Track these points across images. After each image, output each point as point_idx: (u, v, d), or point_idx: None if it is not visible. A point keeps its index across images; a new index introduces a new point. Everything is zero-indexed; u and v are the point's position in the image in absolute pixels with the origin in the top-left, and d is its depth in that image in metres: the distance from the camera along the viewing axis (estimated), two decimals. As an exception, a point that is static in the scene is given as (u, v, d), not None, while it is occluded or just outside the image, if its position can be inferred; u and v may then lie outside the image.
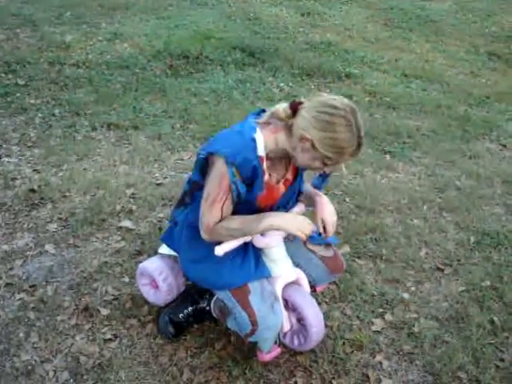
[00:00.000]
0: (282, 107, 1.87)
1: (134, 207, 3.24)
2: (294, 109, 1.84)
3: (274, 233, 2.09)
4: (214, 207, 1.89)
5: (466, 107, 5.09)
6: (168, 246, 2.29)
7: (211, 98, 4.80)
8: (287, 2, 8.03)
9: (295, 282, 2.21)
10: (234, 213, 1.96)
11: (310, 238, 2.03)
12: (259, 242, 2.10)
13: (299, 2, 8.08)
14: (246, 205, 1.96)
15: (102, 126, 4.22)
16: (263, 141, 1.89)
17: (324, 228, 2.10)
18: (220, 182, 1.86)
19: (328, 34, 6.86)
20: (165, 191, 3.40)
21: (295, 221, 1.93)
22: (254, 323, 1.94)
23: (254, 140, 1.87)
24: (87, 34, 6.02)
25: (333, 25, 7.28)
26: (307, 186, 2.22)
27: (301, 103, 1.84)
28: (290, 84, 5.33)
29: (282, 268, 2.16)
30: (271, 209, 2.03)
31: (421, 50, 6.76)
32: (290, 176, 2.09)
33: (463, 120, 4.76)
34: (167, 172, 3.65)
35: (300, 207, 2.19)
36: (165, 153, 3.89)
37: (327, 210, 2.10)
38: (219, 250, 1.96)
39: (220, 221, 1.91)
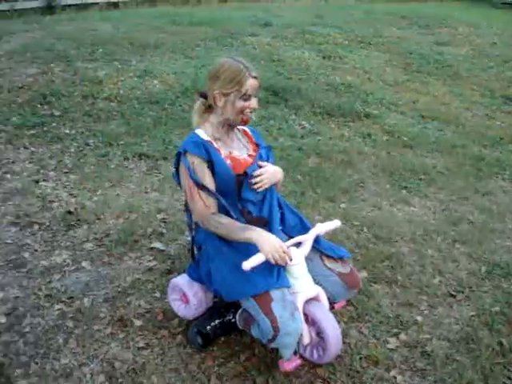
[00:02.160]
0: (198, 102, 2.44)
1: (164, 230, 3.45)
2: (203, 94, 2.40)
3: (295, 251, 2.31)
4: (194, 199, 2.30)
5: (481, 147, 5.29)
6: (193, 279, 2.52)
7: (236, 133, 5.05)
8: (309, 45, 8.36)
9: (315, 299, 2.40)
10: (221, 187, 2.33)
11: (320, 245, 2.45)
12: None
13: (321, 45, 8.39)
14: (225, 177, 2.31)
15: (134, 156, 4.48)
16: (203, 131, 2.37)
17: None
18: (185, 176, 2.32)
19: (348, 76, 7.13)
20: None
21: (271, 245, 2.17)
22: (275, 329, 2.12)
23: (195, 133, 2.37)
24: (119, 70, 6.34)
25: (353, 67, 7.57)
26: None
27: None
28: (312, 122, 5.58)
29: (304, 284, 2.35)
30: (246, 174, 2.37)
31: (438, 93, 7.00)
32: (252, 152, 2.49)
33: (477, 159, 4.96)
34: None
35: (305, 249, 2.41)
36: (193, 182, 4.12)
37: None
38: (246, 266, 2.17)
39: (213, 213, 2.29)
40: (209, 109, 2.42)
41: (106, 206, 3.69)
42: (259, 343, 2.50)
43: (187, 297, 2.57)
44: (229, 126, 2.42)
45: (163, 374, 2.38)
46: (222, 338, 2.59)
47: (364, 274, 3.11)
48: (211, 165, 2.30)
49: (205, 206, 2.29)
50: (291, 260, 2.24)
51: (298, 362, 2.35)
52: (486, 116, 6.36)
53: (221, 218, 2.27)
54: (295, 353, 2.35)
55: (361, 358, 2.51)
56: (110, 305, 2.77)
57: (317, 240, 2.46)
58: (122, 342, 2.54)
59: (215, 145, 2.35)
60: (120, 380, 2.34)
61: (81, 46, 7.09)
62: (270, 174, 2.42)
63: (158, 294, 2.87)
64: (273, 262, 2.18)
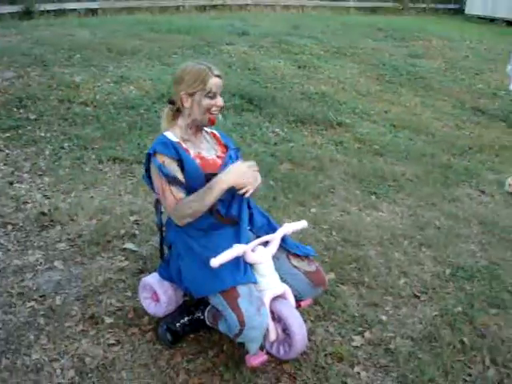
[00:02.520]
0: (167, 108, 2.53)
1: (137, 232, 3.50)
2: (171, 101, 2.50)
3: (262, 250, 2.40)
4: (165, 195, 2.38)
5: (449, 156, 5.44)
6: (164, 278, 2.58)
7: (211, 139, 5.11)
8: (285, 55, 8.48)
9: (282, 296, 2.47)
10: (191, 185, 2.40)
11: (287, 244, 2.52)
12: (249, 257, 2.38)
13: (296, 55, 8.52)
14: (195, 175, 2.39)
15: (109, 160, 4.52)
16: (172, 133, 2.45)
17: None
18: (155, 174, 2.40)
19: (322, 85, 7.26)
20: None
21: (239, 173, 2.37)
22: (241, 323, 2.20)
23: (164, 135, 2.45)
24: (95, 75, 6.37)
25: (327, 77, 7.70)
26: None
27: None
28: (285, 130, 5.67)
29: (270, 282, 2.43)
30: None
31: (410, 104, 7.17)
32: (221, 154, 2.57)
33: (445, 168, 5.10)
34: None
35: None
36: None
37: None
38: (215, 263, 2.24)
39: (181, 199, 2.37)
40: (177, 113, 2.51)
41: (80, 207, 3.73)
42: (227, 340, 2.57)
43: (157, 295, 2.62)
44: (197, 128, 2.50)
45: (133, 369, 2.43)
46: (191, 335, 2.64)
47: (332, 275, 3.20)
48: (180, 164, 2.37)
49: (175, 199, 2.36)
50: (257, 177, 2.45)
51: (265, 357, 2.41)
52: (455, 126, 6.53)
53: (186, 199, 2.36)
54: (262, 348, 2.42)
55: (326, 355, 2.59)
56: (81, 303, 2.81)
57: (284, 239, 2.54)
58: (92, 339, 2.59)
59: (184, 145, 2.43)
60: (90, 375, 2.38)
61: (58, 51, 7.10)
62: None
63: (129, 293, 2.91)
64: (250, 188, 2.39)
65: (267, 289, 2.41)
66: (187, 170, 2.38)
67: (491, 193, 4.70)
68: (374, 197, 4.36)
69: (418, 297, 3.12)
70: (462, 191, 4.68)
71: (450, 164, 5.20)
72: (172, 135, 2.45)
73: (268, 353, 2.48)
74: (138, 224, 3.60)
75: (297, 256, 2.54)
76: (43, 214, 3.61)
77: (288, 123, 5.83)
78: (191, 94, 2.40)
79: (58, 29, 8.59)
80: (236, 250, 2.31)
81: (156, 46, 7.85)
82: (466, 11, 19.15)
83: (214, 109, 2.43)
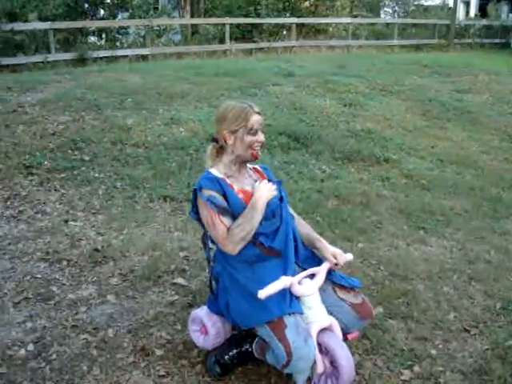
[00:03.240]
0: (211, 146, 2.61)
1: (186, 267, 3.59)
2: (215, 139, 2.58)
3: (308, 282, 2.43)
4: (215, 226, 2.43)
5: (499, 190, 5.36)
6: (212, 311, 2.64)
7: (258, 177, 5.21)
8: (331, 93, 8.59)
9: (329, 329, 2.49)
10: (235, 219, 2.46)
11: (333, 276, 2.55)
12: (297, 291, 2.42)
13: (342, 94, 8.62)
14: (239, 209, 2.46)
15: (159, 199, 4.67)
16: (216, 170, 2.52)
17: (336, 259, 2.54)
18: (204, 207, 2.46)
19: (368, 123, 7.31)
20: (214, 255, 3.74)
21: (265, 188, 2.50)
22: (289, 354, 2.22)
23: (209, 171, 2.52)
24: (146, 118, 6.61)
25: (373, 115, 7.75)
26: (305, 230, 2.75)
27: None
28: (332, 167, 5.73)
29: (317, 314, 2.45)
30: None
31: (457, 138, 7.13)
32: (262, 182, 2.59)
33: (495, 201, 5.03)
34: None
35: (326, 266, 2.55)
36: (214, 222, 4.26)
37: (330, 247, 2.61)
38: (262, 294, 2.29)
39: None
40: (220, 150, 2.58)
41: (132, 244, 3.85)
42: (275, 373, 2.59)
43: (206, 328, 2.67)
44: (240, 164, 2.58)
45: (182, 400, 2.48)
46: (240, 368, 2.67)
47: (380, 309, 3.18)
48: (225, 199, 2.45)
49: (225, 227, 2.42)
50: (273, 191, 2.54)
51: (313, 390, 2.42)
52: (504, 160, 6.45)
53: (236, 223, 2.42)
54: (309, 380, 2.43)
55: (374, 388, 2.58)
56: (132, 335, 2.89)
57: (329, 272, 2.57)
58: (143, 371, 2.65)
59: (228, 181, 2.50)
60: (141, 406, 2.44)
61: (110, 95, 7.41)
62: (340, 251, 2.59)
63: (178, 326, 2.98)
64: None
65: (314, 321, 2.43)
66: (231, 204, 2.45)
67: (543, 226, 4.60)
68: (422, 231, 4.33)
69: (468, 331, 3.07)
70: (512, 225, 4.60)
71: (499, 197, 5.13)
72: (216, 171, 2.51)
73: (316, 386, 2.48)
74: (187, 260, 3.69)
75: (343, 288, 2.56)
76: (97, 250, 3.74)
77: (334, 160, 5.88)
78: (234, 132, 2.48)
79: (110, 74, 8.97)
80: (283, 281, 2.35)
81: (204, 89, 8.09)
82: (513, 45, 18.97)
83: (255, 144, 2.52)
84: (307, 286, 2.45)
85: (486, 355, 2.85)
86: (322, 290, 2.49)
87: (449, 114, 8.23)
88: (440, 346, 2.93)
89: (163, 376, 2.62)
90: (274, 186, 2.54)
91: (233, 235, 2.40)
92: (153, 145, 5.86)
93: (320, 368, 2.45)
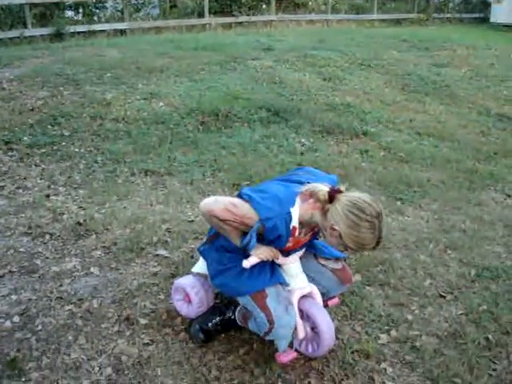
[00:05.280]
0: (323, 192, 2.18)
1: (168, 239, 3.63)
2: (332, 196, 2.18)
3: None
4: (227, 211, 2.21)
5: (475, 162, 5.46)
6: (203, 257, 2.67)
7: (238, 151, 5.26)
8: (310, 68, 8.60)
9: (309, 296, 2.57)
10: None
11: (321, 252, 2.56)
12: (279, 259, 2.48)
13: (321, 68, 8.64)
14: (273, 246, 2.36)
15: (140, 172, 4.69)
16: (299, 213, 2.24)
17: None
18: (246, 214, 2.21)
19: (347, 96, 7.36)
20: (196, 227, 3.79)
21: (267, 252, 2.36)
22: (270, 322, 2.30)
23: (289, 213, 2.21)
24: (126, 93, 6.59)
25: (352, 88, 7.80)
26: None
27: (339, 191, 2.20)
28: (311, 140, 5.77)
29: (299, 282, 2.53)
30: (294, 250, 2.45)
31: (434, 112, 7.21)
32: (315, 228, 2.45)
33: (471, 173, 5.13)
34: (198, 212, 4.04)
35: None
36: (196, 196, 4.31)
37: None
38: (246, 264, 2.36)
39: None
40: (320, 204, 2.23)
41: (114, 217, 3.88)
42: (257, 339, 2.66)
43: (190, 296, 2.74)
44: (317, 230, 2.47)
45: (167, 366, 2.55)
46: (223, 335, 2.75)
47: (358, 277, 3.27)
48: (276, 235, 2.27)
49: (219, 218, 2.25)
50: (278, 258, 2.43)
51: (294, 354, 2.50)
52: (481, 133, 6.55)
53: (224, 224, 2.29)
54: (291, 346, 2.52)
55: (353, 352, 2.66)
56: (117, 306, 2.95)
57: (312, 244, 2.62)
58: (128, 339, 2.71)
59: (296, 232, 2.31)
60: (126, 372, 2.51)
61: (89, 70, 7.37)
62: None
63: (162, 296, 3.04)
64: (265, 259, 2.37)
65: (295, 288, 2.51)
66: (273, 244, 2.33)
67: (517, 196, 4.72)
68: (399, 202, 4.42)
69: (444, 297, 3.17)
70: (487, 195, 4.71)
71: (475, 169, 5.24)
72: (296, 216, 2.25)
73: (297, 350, 2.57)
74: (169, 232, 3.73)
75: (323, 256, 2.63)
76: (79, 224, 3.77)
77: (314, 133, 5.93)
78: (341, 237, 2.18)
79: (88, 49, 8.91)
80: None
81: (183, 64, 8.06)
82: (491, 20, 19.15)
83: (339, 248, 2.39)
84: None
85: (460, 320, 2.96)
86: (303, 257, 2.56)
87: (427, 87, 8.30)
88: (416, 312, 3.03)
89: (148, 344, 2.68)
90: (275, 255, 2.40)
91: (211, 219, 2.28)
92: (133, 119, 5.86)
93: (301, 334, 2.53)
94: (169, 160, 4.96)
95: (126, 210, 4.02)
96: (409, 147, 5.76)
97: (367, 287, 3.22)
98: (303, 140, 5.74)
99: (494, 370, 2.62)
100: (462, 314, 3.01)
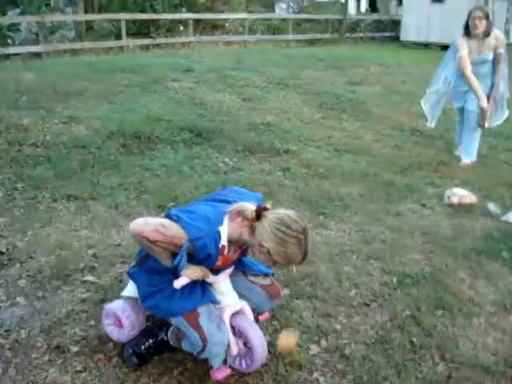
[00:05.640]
0: (250, 210, 2.27)
1: (96, 265, 3.59)
2: (259, 214, 2.26)
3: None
4: (157, 231, 2.23)
5: (391, 175, 5.72)
6: (132, 280, 2.67)
7: (162, 172, 5.27)
8: (230, 88, 8.75)
9: (241, 312, 2.63)
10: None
11: (250, 269, 2.65)
12: (209, 278, 2.53)
13: (241, 88, 8.80)
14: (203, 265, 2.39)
15: (63, 198, 4.60)
16: (228, 232, 2.31)
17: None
18: (175, 234, 2.24)
19: (267, 116, 7.53)
20: (123, 251, 3.77)
21: (195, 271, 2.39)
22: (204, 340, 2.35)
23: (218, 232, 2.28)
24: (44, 117, 6.46)
25: (272, 108, 7.99)
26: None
27: (265, 209, 2.29)
28: (234, 159, 5.87)
29: (229, 299, 2.59)
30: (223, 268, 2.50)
31: (351, 128, 7.50)
32: (244, 246, 2.53)
33: (388, 185, 5.37)
34: (124, 235, 4.01)
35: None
36: (122, 219, 4.28)
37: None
38: (177, 284, 2.39)
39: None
40: (248, 222, 2.32)
41: (37, 245, 3.80)
42: (191, 359, 2.69)
43: (121, 321, 2.73)
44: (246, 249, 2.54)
45: (101, 393, 2.52)
46: (156, 357, 2.75)
47: (286, 291, 3.36)
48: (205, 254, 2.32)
49: (149, 239, 2.27)
50: (208, 277, 2.47)
51: (228, 371, 2.55)
52: (395, 147, 6.86)
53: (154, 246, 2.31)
54: (225, 363, 2.56)
55: (285, 364, 2.73)
56: (46, 334, 2.88)
57: (240, 261, 2.68)
58: (59, 368, 2.66)
59: (225, 251, 2.37)
60: (60, 402, 2.46)
61: (3, 94, 7.17)
62: None
63: (92, 322, 3.00)
64: (195, 279, 2.40)
65: (226, 306, 2.56)
66: (203, 263, 2.38)
67: (432, 206, 4.98)
68: (322, 217, 4.56)
69: (369, 305, 3.31)
70: (405, 206, 4.94)
71: (392, 182, 5.48)
72: (225, 235, 2.31)
73: (231, 367, 2.61)
74: (96, 257, 3.69)
75: (252, 273, 2.70)
76: (1, 253, 3.66)
77: (236, 153, 6.03)
78: (269, 253, 2.28)
79: (2, 73, 8.64)
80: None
81: (102, 86, 8.01)
82: (401, 38, 20.08)
83: (267, 264, 2.42)
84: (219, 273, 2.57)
85: (386, 326, 3.10)
86: (232, 275, 2.62)
87: (343, 105, 8.62)
88: (344, 321, 3.14)
89: (80, 371, 2.65)
90: (205, 274, 2.43)
91: (141, 240, 2.30)
92: (52, 144, 5.75)
93: (234, 350, 2.58)
94: (92, 184, 4.90)
95: (49, 237, 3.94)
96: (328, 163, 5.96)
97: (295, 300, 3.31)
98: (226, 160, 5.82)
99: (421, 371, 2.76)
100: (386, 320, 3.16)
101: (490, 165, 6.27)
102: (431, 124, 6.49)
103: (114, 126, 6.24)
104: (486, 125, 6.06)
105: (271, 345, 2.83)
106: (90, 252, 3.75)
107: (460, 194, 5.06)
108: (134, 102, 7.37)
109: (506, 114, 6.21)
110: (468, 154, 6.23)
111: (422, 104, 6.51)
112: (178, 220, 2.25)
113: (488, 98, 5.94)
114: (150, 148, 5.89)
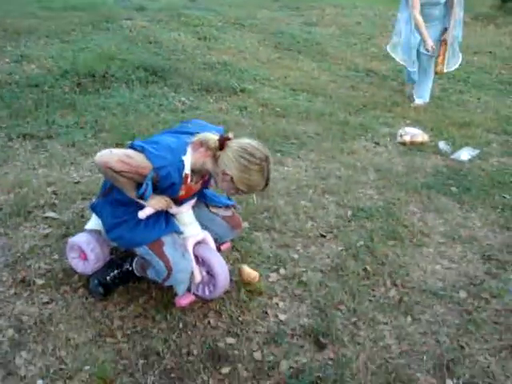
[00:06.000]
0: (213, 140, 2.33)
1: (56, 201, 3.61)
2: (222, 144, 2.32)
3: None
4: (122, 162, 2.25)
5: (346, 114, 5.83)
6: (95, 213, 2.72)
7: (119, 111, 5.23)
8: (184, 27, 8.62)
9: (203, 242, 2.72)
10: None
11: (211, 201, 2.74)
12: (172, 209, 2.60)
13: (196, 27, 8.68)
14: (166, 194, 2.46)
15: (18, 137, 4.54)
16: (191, 161, 2.35)
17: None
18: (140, 164, 2.27)
19: (223, 55, 7.48)
20: (83, 188, 3.78)
21: (161, 202, 2.45)
22: (169, 268, 2.43)
23: (182, 161, 2.32)
24: (-6, 56, 6.28)
25: (228, 48, 7.93)
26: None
27: (228, 139, 2.35)
28: (191, 98, 5.86)
29: (192, 229, 2.67)
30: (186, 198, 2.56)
31: (307, 69, 7.54)
32: (206, 176, 2.60)
33: (343, 124, 5.48)
34: (83, 173, 4.03)
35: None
36: (80, 157, 4.28)
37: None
38: (142, 214, 2.45)
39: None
40: (211, 152, 2.37)
41: (-5, 183, 3.78)
42: (155, 288, 2.79)
43: (85, 253, 2.78)
44: (209, 177, 2.58)
45: (69, 321, 2.60)
46: (121, 287, 2.83)
47: (246, 224, 3.47)
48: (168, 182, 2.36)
49: (114, 169, 2.29)
50: (171, 207, 2.54)
51: (192, 297, 2.66)
52: (350, 87, 6.95)
53: (118, 176, 2.33)
54: (189, 291, 2.67)
55: (246, 291, 2.87)
56: (11, 269, 2.92)
57: (203, 194, 2.76)
58: (26, 300, 2.72)
59: (188, 180, 2.42)
60: (29, 331, 2.53)
61: (-52, 32, 6.91)
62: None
63: (56, 256, 3.05)
64: (159, 209, 2.47)
65: (190, 236, 2.65)
66: (166, 192, 2.43)
67: (385, 144, 5.13)
68: (279, 154, 4.66)
69: (325, 236, 3.46)
70: (359, 144, 5.08)
71: (346, 121, 5.60)
72: (188, 164, 2.36)
73: (195, 294, 2.72)
74: (55, 194, 3.70)
75: (214, 205, 2.78)
76: (-42, 192, 3.64)
77: (193, 92, 6.02)
78: (233, 181, 2.33)
79: None
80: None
81: (53, 24, 7.80)
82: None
83: (231, 192, 2.46)
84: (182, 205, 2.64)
85: (341, 255, 3.26)
86: (195, 207, 2.70)
87: (299, 46, 8.62)
88: (301, 251, 3.29)
89: (47, 303, 2.71)
90: (169, 204, 2.49)
91: (106, 171, 2.32)
92: (4, 83, 5.62)
93: (198, 277, 2.68)
94: (47, 123, 4.84)
95: (7, 175, 3.92)
96: (285, 102, 6.02)
97: (255, 232, 3.43)
98: (183, 99, 5.81)
99: (374, 296, 2.94)
100: (341, 250, 3.32)
101: (441, 106, 6.44)
102: (413, 68, 6.32)
103: (67, 65, 6.11)
104: (445, 70, 6.11)
105: (232, 274, 2.96)
106: (50, 189, 3.75)
107: (412, 133, 5.23)
108: (86, 41, 7.20)
109: (460, 58, 6.28)
110: (421, 95, 6.36)
111: (392, 53, 6.45)
112: (142, 150, 2.30)
113: (444, 42, 5.97)
114: (105, 86, 5.81)
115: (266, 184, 2.37)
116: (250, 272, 2.92)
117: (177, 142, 2.37)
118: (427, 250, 3.44)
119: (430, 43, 5.89)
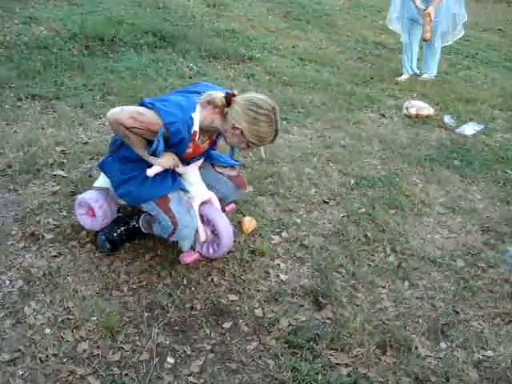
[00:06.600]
0: (219, 97, 2.37)
1: (64, 161, 3.67)
2: (229, 100, 2.38)
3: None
4: (133, 118, 2.32)
5: (353, 85, 5.86)
6: (104, 171, 2.78)
7: (127, 75, 5.26)
8: (193, -7, 8.58)
9: (208, 202, 2.78)
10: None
11: (217, 161, 2.78)
12: (179, 168, 2.66)
13: (205, -6, 8.65)
14: (175, 152, 2.51)
15: (27, 97, 4.58)
16: (200, 119, 2.41)
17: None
18: (151, 121, 2.33)
19: (232, 23, 7.46)
20: (91, 148, 3.84)
21: (170, 160, 2.51)
22: (174, 224, 2.50)
23: (191, 118, 2.38)
24: (3, 17, 6.28)
25: (237, 15, 7.91)
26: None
27: (234, 95, 2.41)
28: (199, 65, 5.87)
29: (198, 189, 2.74)
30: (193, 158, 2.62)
31: (316, 39, 7.53)
32: (213, 136, 2.66)
33: (349, 95, 5.51)
34: (92, 134, 4.09)
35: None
36: (88, 118, 4.33)
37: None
38: (150, 172, 2.50)
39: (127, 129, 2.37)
40: (219, 109, 2.42)
41: (5, 141, 3.83)
42: (162, 245, 2.87)
43: (93, 210, 2.85)
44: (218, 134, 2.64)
45: (77, 274, 2.68)
46: (128, 244, 2.91)
47: (250, 188, 3.53)
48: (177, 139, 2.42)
49: (127, 125, 2.35)
50: (179, 166, 2.59)
51: (196, 255, 2.74)
52: (358, 59, 6.96)
53: (131, 133, 2.39)
54: (193, 249, 2.74)
55: (250, 252, 2.94)
56: (20, 223, 2.99)
57: (209, 155, 2.82)
58: (35, 253, 2.80)
59: (196, 137, 2.47)
60: (38, 282, 2.61)
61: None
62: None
63: (64, 213, 3.12)
64: (167, 167, 2.53)
65: (195, 195, 2.71)
66: (175, 149, 2.48)
67: (390, 116, 5.17)
68: (285, 122, 4.69)
69: (327, 202, 3.53)
70: (365, 115, 5.11)
71: (353, 92, 5.62)
72: (197, 121, 2.41)
73: (199, 253, 2.80)
74: (64, 153, 3.76)
75: (220, 165, 2.84)
76: (-31, 148, 3.70)
77: (201, 58, 6.03)
78: (243, 134, 2.39)
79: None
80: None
81: (62, -14, 7.72)
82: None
83: (241, 147, 2.52)
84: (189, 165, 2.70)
85: (342, 221, 3.33)
86: (201, 167, 2.75)
87: (308, 16, 8.59)
88: (303, 216, 3.36)
89: (55, 256, 2.79)
90: (176, 163, 2.54)
91: (118, 127, 2.37)
92: (13, 44, 5.63)
93: (202, 236, 2.76)
94: (56, 84, 4.88)
95: (16, 134, 3.97)
96: (292, 72, 6.03)
97: (259, 197, 3.49)
98: (191, 64, 5.82)
99: (373, 261, 3.02)
100: (343, 216, 3.39)
101: (448, 81, 6.45)
102: (407, 40, 6.26)
103: (76, 28, 6.12)
104: (438, 42, 6.08)
105: (236, 235, 3.03)
106: (58, 149, 3.81)
107: (418, 106, 5.25)
108: (95, 4, 7.19)
109: (462, 32, 6.23)
110: (428, 68, 6.36)
111: (389, 26, 6.45)
112: (152, 107, 2.35)
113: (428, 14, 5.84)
114: (114, 50, 5.83)
115: (276, 135, 2.43)
116: (249, 220, 3.05)
117: (186, 100, 2.42)
118: (427, 219, 3.51)
119: (420, 7, 5.83)
